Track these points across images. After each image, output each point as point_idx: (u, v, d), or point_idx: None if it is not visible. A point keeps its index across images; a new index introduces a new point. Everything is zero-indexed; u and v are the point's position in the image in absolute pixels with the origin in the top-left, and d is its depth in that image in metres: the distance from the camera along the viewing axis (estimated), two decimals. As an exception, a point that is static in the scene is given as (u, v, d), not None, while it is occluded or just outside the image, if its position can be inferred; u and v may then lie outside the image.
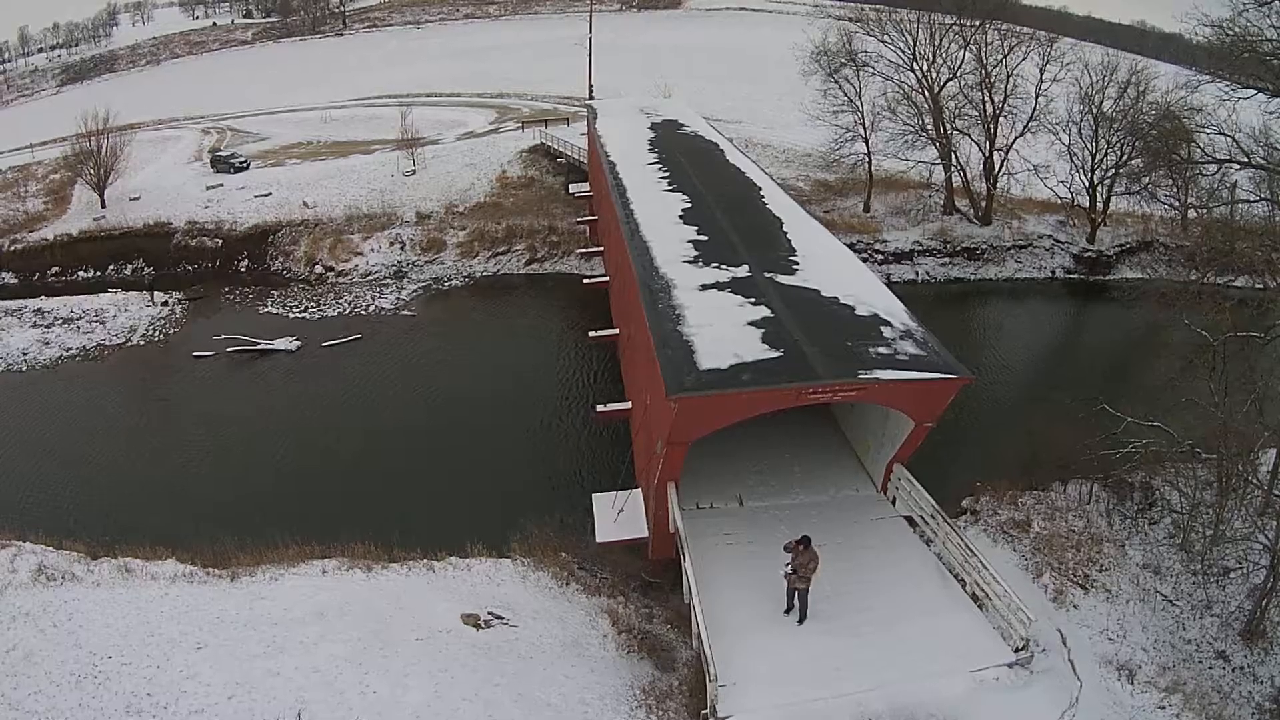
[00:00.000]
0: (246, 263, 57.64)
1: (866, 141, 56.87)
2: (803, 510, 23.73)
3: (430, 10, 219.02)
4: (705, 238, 29.92)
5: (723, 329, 22.63)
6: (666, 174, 39.08)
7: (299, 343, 44.83)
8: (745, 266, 26.91)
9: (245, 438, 35.78)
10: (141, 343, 46.68)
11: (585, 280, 41.72)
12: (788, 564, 19.05)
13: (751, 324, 22.85)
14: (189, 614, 19.75)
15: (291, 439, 35.60)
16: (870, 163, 57.25)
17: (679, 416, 20.20)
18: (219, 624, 19.39)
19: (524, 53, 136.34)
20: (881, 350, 21.71)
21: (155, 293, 52.24)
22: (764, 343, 21.82)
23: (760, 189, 36.74)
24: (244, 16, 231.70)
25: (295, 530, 24.58)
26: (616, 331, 33.81)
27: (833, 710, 17.28)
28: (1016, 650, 18.74)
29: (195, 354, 44.00)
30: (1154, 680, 19.13)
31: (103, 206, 61.27)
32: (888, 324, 23.07)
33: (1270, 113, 31.60)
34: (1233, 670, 20.27)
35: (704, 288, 25.47)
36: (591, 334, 33.69)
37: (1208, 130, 36.76)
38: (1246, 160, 32.65)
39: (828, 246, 29.82)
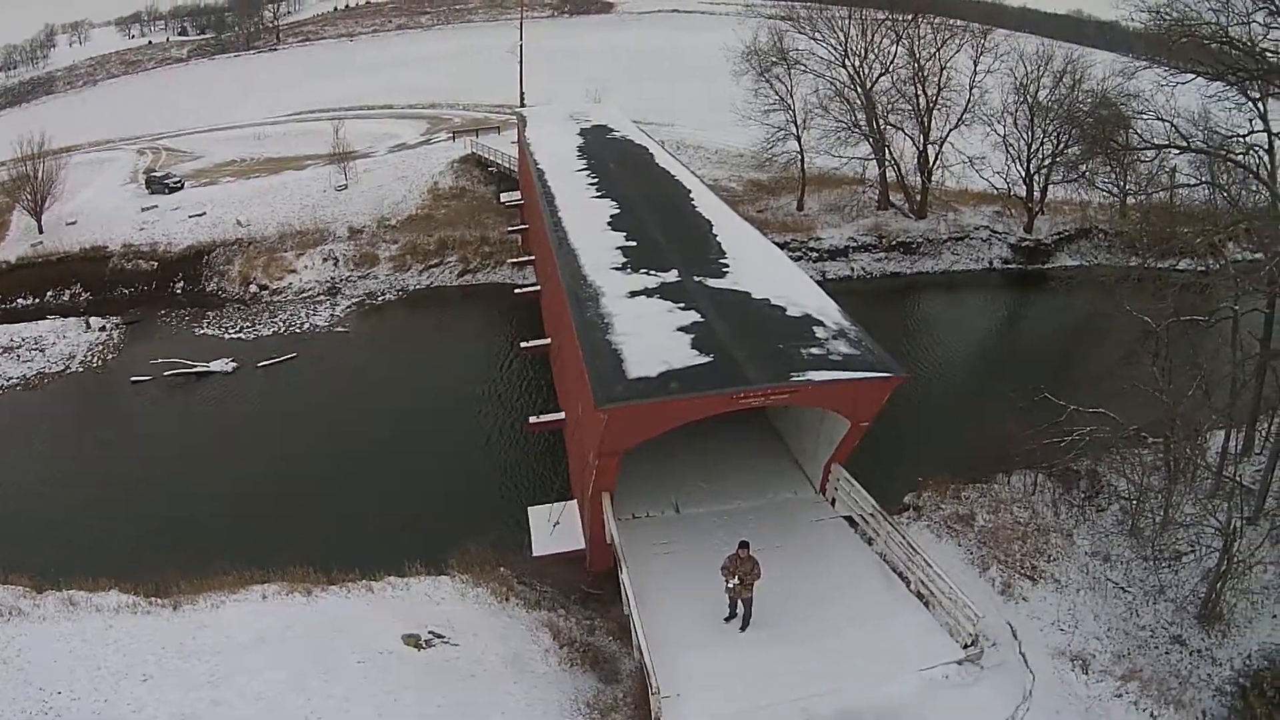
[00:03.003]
0: (182, 284, 56.24)
1: (799, 139, 56.79)
2: (740, 515, 23.51)
3: (363, 23, 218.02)
4: (634, 243, 29.56)
5: (652, 336, 22.36)
6: (595, 180, 38.61)
7: (235, 364, 43.84)
8: (674, 271, 26.60)
9: (184, 463, 34.79)
10: (80, 369, 45.46)
11: (516, 290, 41.42)
12: (730, 584, 18.64)
13: (681, 330, 22.57)
14: (133, 646, 19.03)
15: (229, 463, 34.61)
16: (803, 161, 57.20)
17: (609, 427, 20.04)
18: (163, 654, 18.74)
19: (456, 62, 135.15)
20: (814, 351, 21.53)
21: (92, 318, 50.74)
22: (694, 348, 21.57)
23: (690, 192, 36.51)
24: (179, 34, 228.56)
25: (235, 555, 23.79)
26: (548, 341, 33.31)
27: (778, 717, 17.08)
28: (965, 647, 18.67)
29: (133, 379, 42.86)
30: (1109, 669, 18.99)
31: (40, 232, 59.27)
32: (820, 324, 22.91)
33: (1210, 96, 31.50)
34: (1190, 654, 20.03)
35: (633, 294, 25.11)
36: (523, 344, 33.29)
37: (1145, 116, 36.68)
38: (1185, 145, 32.57)
39: (758, 247, 29.70)
